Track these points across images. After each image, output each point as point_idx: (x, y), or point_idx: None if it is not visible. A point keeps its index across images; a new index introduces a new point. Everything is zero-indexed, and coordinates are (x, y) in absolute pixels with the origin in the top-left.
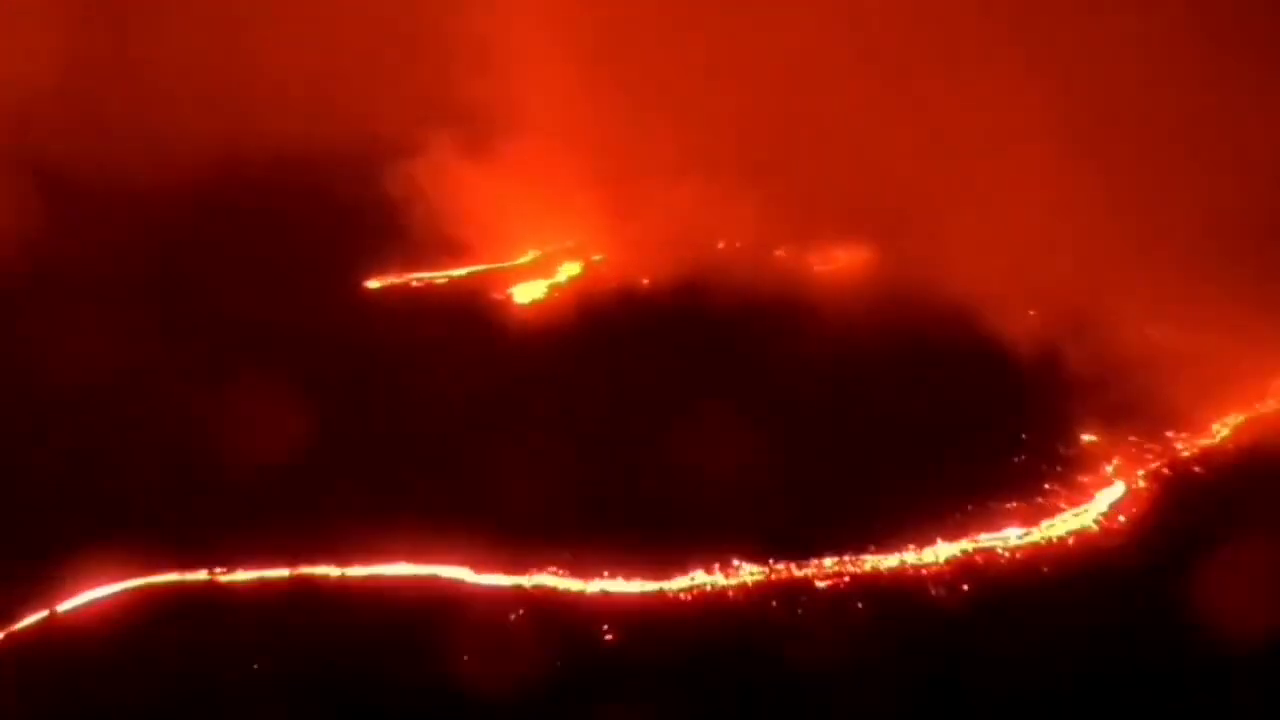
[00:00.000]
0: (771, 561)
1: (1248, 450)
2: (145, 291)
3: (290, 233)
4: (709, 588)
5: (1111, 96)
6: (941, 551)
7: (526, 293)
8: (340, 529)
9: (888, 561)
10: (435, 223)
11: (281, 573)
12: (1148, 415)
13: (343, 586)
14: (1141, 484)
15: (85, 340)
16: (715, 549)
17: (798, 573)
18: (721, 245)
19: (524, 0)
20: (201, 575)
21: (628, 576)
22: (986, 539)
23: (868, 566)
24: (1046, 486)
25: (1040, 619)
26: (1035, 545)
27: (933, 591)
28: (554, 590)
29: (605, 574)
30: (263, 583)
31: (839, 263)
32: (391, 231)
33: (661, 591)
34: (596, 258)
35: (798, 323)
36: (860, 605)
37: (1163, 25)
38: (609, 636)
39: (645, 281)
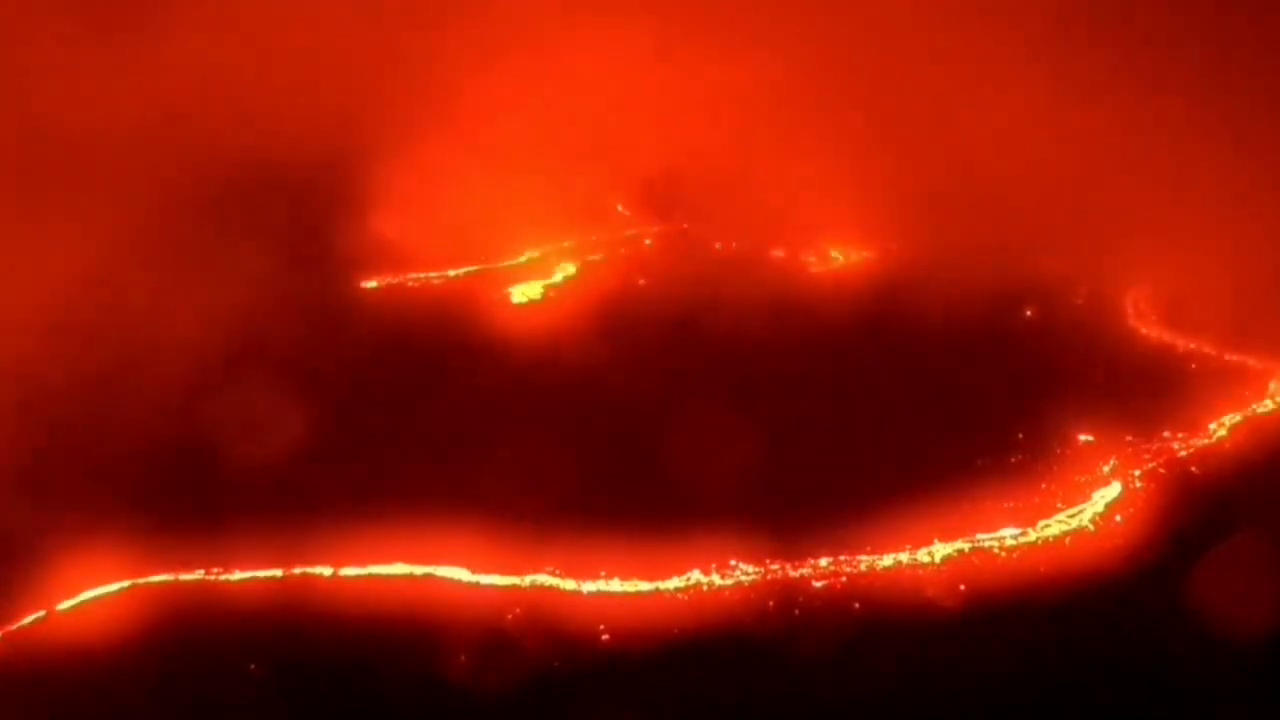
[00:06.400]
0: (768, 562)
1: (1245, 451)
2: (140, 290)
3: (286, 232)
4: (705, 588)
5: (1113, 91)
6: (938, 551)
7: (523, 293)
8: (336, 529)
9: (884, 562)
10: (432, 223)
11: (276, 573)
12: (1145, 415)
13: (338, 586)
14: (1138, 484)
15: (80, 340)
16: (712, 549)
17: (794, 573)
18: (719, 245)
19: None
20: (198, 575)
21: (624, 577)
22: (983, 539)
23: (864, 567)
24: (1043, 486)
25: (1036, 619)
26: (1031, 545)
27: (929, 591)
28: (551, 590)
29: (602, 574)
30: (258, 583)
31: (834, 263)
32: (388, 231)
33: (658, 591)
34: (593, 258)
35: (794, 323)
36: (856, 605)
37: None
38: (605, 637)
39: (642, 282)
